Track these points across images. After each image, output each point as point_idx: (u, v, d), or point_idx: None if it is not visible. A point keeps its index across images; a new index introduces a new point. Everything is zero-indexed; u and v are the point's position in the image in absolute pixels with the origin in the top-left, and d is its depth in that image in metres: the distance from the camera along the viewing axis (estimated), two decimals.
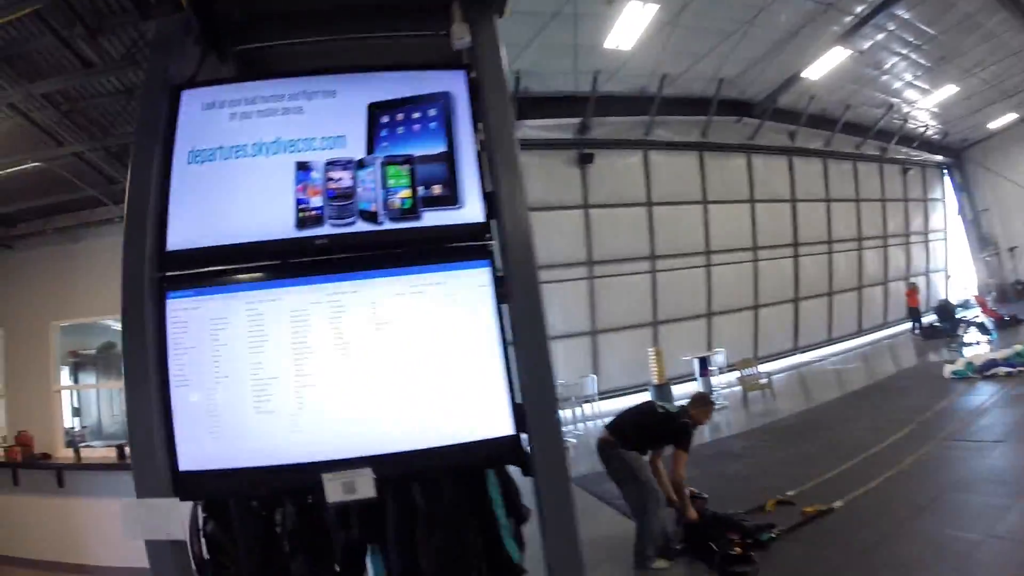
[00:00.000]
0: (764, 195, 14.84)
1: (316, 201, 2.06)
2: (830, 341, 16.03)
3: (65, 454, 6.67)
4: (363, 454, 1.91)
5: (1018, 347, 9.15)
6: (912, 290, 16.78)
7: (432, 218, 2.08)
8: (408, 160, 2.12)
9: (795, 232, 15.46)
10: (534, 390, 1.97)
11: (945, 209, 20.52)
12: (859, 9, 10.69)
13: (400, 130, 2.16)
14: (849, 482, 5.47)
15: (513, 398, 1.99)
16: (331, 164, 2.10)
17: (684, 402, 4.94)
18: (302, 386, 1.95)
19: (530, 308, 2.00)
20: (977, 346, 12.32)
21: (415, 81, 2.24)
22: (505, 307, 2.04)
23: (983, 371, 8.96)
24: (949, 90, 14.61)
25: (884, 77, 13.78)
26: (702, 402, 4.80)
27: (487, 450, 1.98)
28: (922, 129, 17.51)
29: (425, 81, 2.24)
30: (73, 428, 7.42)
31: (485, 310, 2.02)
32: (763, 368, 11.46)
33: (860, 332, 16.98)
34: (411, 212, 2.08)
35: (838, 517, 4.81)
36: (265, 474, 1.93)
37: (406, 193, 2.08)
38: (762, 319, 14.60)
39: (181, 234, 2.05)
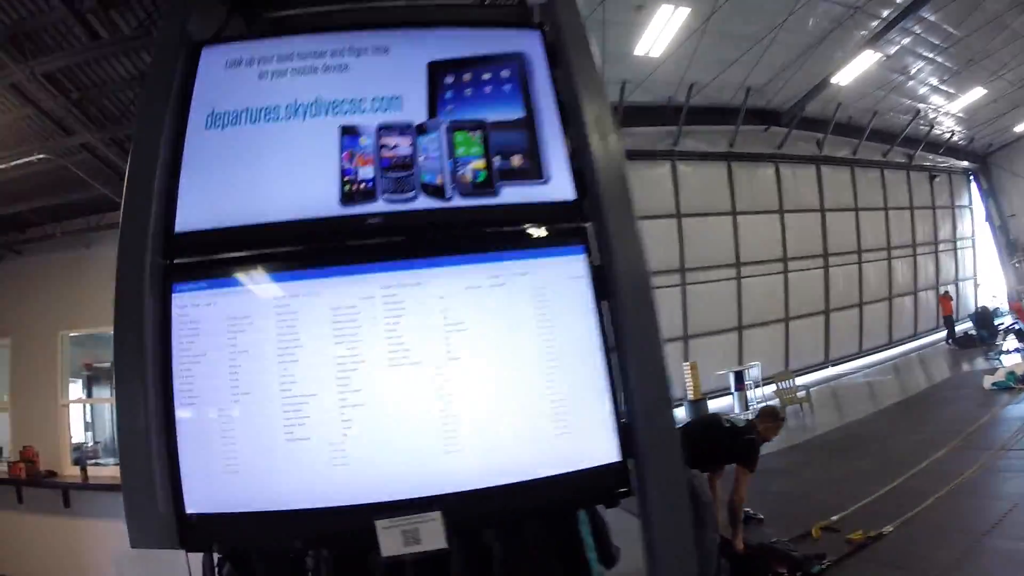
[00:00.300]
0: (793, 205, 14.34)
1: (366, 172, 1.66)
2: (861, 353, 15.42)
3: (72, 472, 6.30)
4: (429, 494, 1.49)
5: None
6: (946, 297, 16.17)
7: (512, 194, 1.67)
8: (480, 126, 1.71)
9: (824, 242, 14.93)
10: (646, 406, 1.54)
11: (973, 216, 19.89)
12: (886, 12, 10.33)
13: (468, 92, 1.76)
14: (905, 500, 4.97)
15: (618, 417, 1.57)
16: (384, 129, 1.70)
17: (751, 416, 4.46)
18: (348, 406, 1.53)
19: (639, 305, 1.57)
20: (1016, 353, 11.73)
21: (481, 40, 1.86)
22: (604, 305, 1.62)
23: None
24: (976, 93, 14.13)
25: (910, 82, 13.36)
26: (771, 417, 4.30)
27: (587, 482, 1.55)
28: (948, 135, 17.02)
29: (492, 40, 1.86)
30: (84, 444, 7.07)
31: (581, 308, 1.60)
32: (799, 381, 10.93)
33: (891, 343, 16.34)
34: (486, 186, 1.67)
35: (901, 539, 4.33)
36: (297, 520, 1.51)
37: (479, 164, 1.67)
38: (793, 331, 14.05)
39: (193, 212, 1.65)
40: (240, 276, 1.61)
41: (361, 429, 1.51)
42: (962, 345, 14.59)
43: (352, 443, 1.51)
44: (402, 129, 1.70)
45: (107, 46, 3.51)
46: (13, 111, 4.18)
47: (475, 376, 1.55)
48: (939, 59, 12.34)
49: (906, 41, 11.38)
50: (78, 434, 7.01)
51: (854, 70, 11.41)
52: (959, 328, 15.65)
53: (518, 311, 1.58)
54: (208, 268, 1.61)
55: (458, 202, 1.66)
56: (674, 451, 1.56)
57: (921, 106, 14.77)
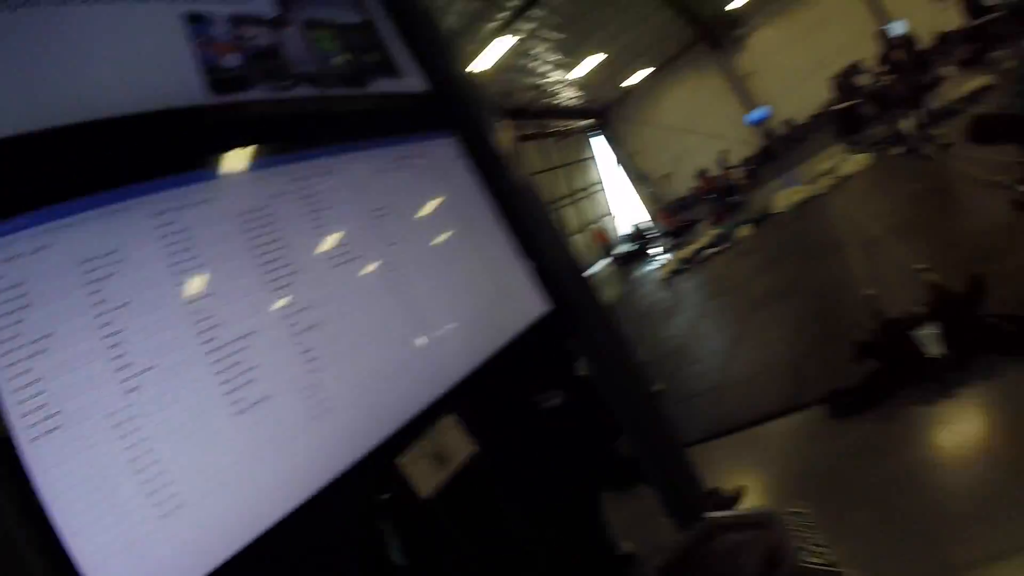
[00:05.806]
0: None
1: (232, 60, 1.32)
2: None
3: None
4: (431, 399, 1.37)
5: (715, 231, 10.74)
6: (599, 232, 20.13)
7: (379, 86, 1.64)
8: (332, 25, 1.60)
9: None
10: (553, 260, 1.88)
11: (597, 165, 24.77)
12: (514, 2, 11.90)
13: None
14: None
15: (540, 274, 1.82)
16: (239, 19, 1.39)
17: None
18: (301, 330, 1.20)
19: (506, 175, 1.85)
20: (673, 250, 13.66)
21: None
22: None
23: (695, 259, 9.91)
24: (594, 60, 17.23)
25: (535, 63, 15.63)
26: None
27: (538, 334, 1.73)
28: (573, 101, 20.82)
29: None
30: None
31: (470, 184, 1.77)
32: None
33: None
34: (355, 80, 1.58)
35: None
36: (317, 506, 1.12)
37: (345, 57, 1.58)
38: None
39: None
40: (75, 196, 1.03)
41: (328, 355, 1.22)
42: (625, 261, 18.28)
43: (329, 379, 1.20)
44: (257, 20, 1.42)
45: None
46: None
47: (418, 261, 1.50)
48: (559, 37, 14.66)
49: (532, 26, 13.30)
50: None
51: (491, 58, 12.77)
52: (618, 250, 19.62)
53: (428, 192, 1.62)
54: (27, 193, 0.99)
55: (339, 91, 1.52)
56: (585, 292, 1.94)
57: (546, 81, 17.53)
